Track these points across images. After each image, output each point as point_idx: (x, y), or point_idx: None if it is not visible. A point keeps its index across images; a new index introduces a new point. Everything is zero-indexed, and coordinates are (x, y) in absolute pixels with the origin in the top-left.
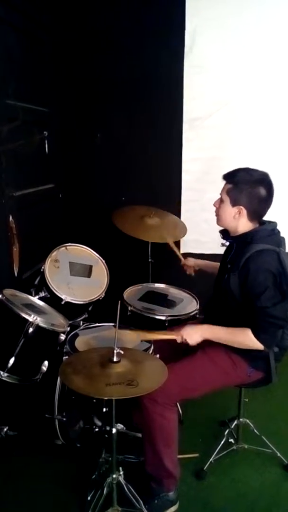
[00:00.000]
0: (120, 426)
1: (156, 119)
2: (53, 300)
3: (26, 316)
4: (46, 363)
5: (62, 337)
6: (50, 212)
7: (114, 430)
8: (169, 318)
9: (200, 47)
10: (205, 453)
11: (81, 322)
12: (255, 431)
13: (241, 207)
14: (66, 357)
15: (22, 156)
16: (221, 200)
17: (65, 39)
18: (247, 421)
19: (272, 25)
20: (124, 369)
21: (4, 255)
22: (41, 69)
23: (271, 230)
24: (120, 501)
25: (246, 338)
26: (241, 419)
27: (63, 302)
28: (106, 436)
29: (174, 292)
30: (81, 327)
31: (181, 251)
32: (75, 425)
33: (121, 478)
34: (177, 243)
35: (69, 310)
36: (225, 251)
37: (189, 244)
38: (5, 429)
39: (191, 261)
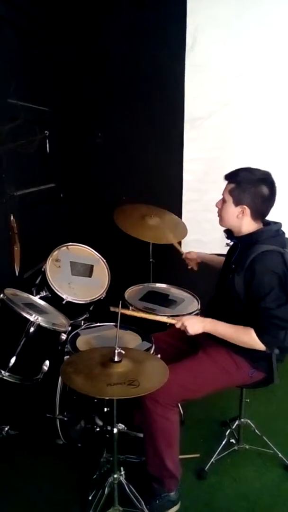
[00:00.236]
0: (121, 426)
1: (157, 118)
2: (54, 299)
3: (27, 316)
4: (47, 362)
5: (63, 336)
6: (51, 211)
7: (115, 430)
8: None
9: (201, 46)
10: (206, 453)
11: (82, 322)
12: (256, 431)
13: (245, 206)
14: (67, 356)
15: (23, 155)
16: (223, 200)
17: (65, 38)
18: (248, 421)
19: (274, 24)
20: (125, 369)
21: (5, 254)
22: (42, 68)
23: (276, 231)
24: (121, 501)
25: (248, 337)
26: (242, 420)
27: (64, 302)
28: (107, 436)
29: (175, 292)
30: (82, 327)
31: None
32: (76, 424)
33: (122, 478)
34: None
35: (70, 310)
36: (229, 251)
37: (190, 245)
38: (6, 429)
39: (193, 254)
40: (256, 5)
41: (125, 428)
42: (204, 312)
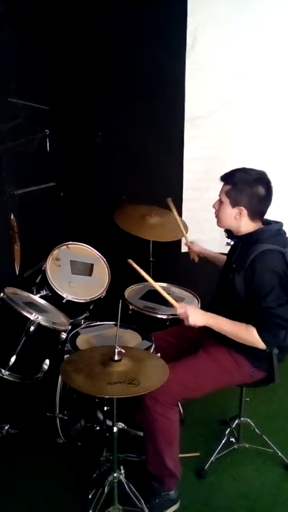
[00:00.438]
0: (121, 424)
1: (158, 117)
2: (54, 298)
3: (28, 315)
4: (47, 361)
5: (63, 335)
6: (51, 210)
7: (115, 429)
8: (170, 317)
9: (201, 45)
10: (206, 452)
11: (83, 321)
12: (256, 430)
13: (242, 207)
14: (67, 355)
15: (24, 154)
16: (220, 202)
17: (65, 38)
18: (248, 420)
19: (274, 22)
20: (126, 368)
21: (6, 253)
22: (42, 67)
23: (277, 230)
24: (121, 499)
25: (249, 335)
26: (242, 418)
27: (64, 301)
28: (107, 434)
29: (175, 291)
30: (82, 326)
31: (183, 251)
32: (76, 423)
33: (122, 477)
34: (179, 242)
35: (70, 309)
36: (230, 251)
37: None
38: (6, 428)
39: (197, 247)
40: (256, 4)
41: (125, 427)
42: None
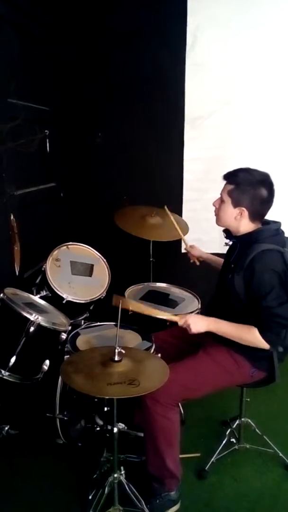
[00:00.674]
0: (121, 425)
1: (158, 118)
2: (54, 299)
3: (28, 315)
4: (47, 362)
5: (64, 336)
6: (51, 211)
7: (115, 430)
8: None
9: (201, 45)
10: (207, 453)
11: (83, 321)
12: (257, 431)
13: (243, 208)
14: (68, 356)
15: (23, 155)
16: (221, 200)
17: (66, 38)
18: (249, 420)
19: (274, 23)
20: (126, 368)
21: (5, 254)
22: (42, 68)
23: (276, 230)
24: (122, 500)
25: (252, 336)
26: (242, 419)
27: (64, 301)
28: (108, 435)
29: (175, 291)
30: (83, 326)
31: (183, 251)
32: (76, 424)
33: (122, 478)
34: (179, 242)
35: (70, 309)
36: (228, 251)
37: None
38: (6, 428)
39: (196, 251)
40: (257, 5)
41: (125, 428)
42: (204, 311)
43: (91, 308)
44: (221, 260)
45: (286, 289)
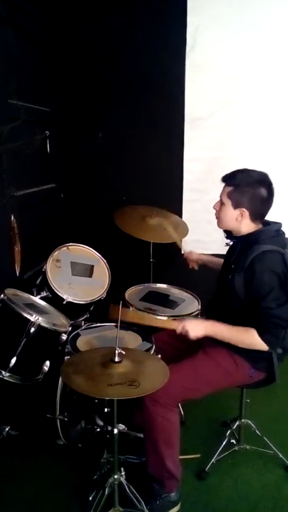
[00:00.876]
0: (121, 426)
1: (158, 118)
2: (54, 300)
3: (28, 316)
4: (47, 363)
5: (64, 337)
6: (51, 211)
7: (115, 431)
8: (170, 318)
9: (201, 46)
10: (207, 454)
11: (83, 322)
12: (257, 432)
13: (243, 209)
14: (68, 357)
15: (24, 155)
16: (221, 203)
17: (66, 39)
18: (249, 422)
19: (274, 23)
20: (126, 369)
21: (6, 254)
22: (42, 68)
23: (276, 231)
24: (122, 501)
25: (250, 338)
26: (243, 420)
27: (64, 302)
28: (108, 436)
29: (175, 292)
30: (83, 327)
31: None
32: (76, 425)
33: (122, 479)
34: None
35: (70, 310)
36: (228, 251)
37: (191, 245)
38: (6, 429)
39: (194, 255)
40: (257, 5)
41: (126, 429)
42: (204, 312)
43: (91, 309)
44: (221, 261)
45: (286, 290)
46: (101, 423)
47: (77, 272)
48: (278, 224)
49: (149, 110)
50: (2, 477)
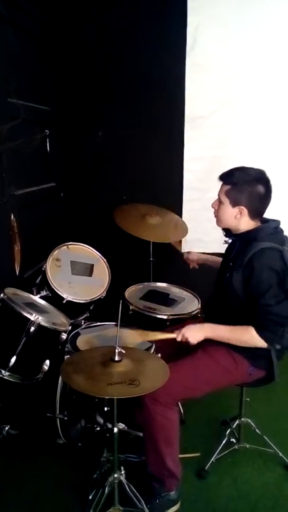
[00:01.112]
0: (121, 425)
1: (158, 117)
2: (54, 299)
3: (28, 315)
4: (47, 362)
5: (64, 336)
6: (51, 211)
7: (115, 429)
8: (170, 317)
9: (201, 46)
10: (207, 453)
11: (83, 321)
12: (257, 430)
13: (242, 207)
14: (68, 356)
15: (24, 154)
16: (219, 201)
17: (66, 38)
18: (249, 420)
19: (274, 23)
20: (126, 368)
21: (6, 254)
22: (42, 67)
23: (275, 228)
24: (122, 500)
25: (249, 336)
26: (242, 419)
27: (64, 301)
28: (108, 435)
29: (175, 291)
30: (83, 326)
31: (183, 251)
32: (76, 424)
33: (122, 478)
34: (179, 242)
35: (70, 309)
36: (227, 249)
37: (191, 244)
38: (6, 428)
39: (194, 256)
40: (257, 5)
41: (126, 428)
42: (203, 310)
43: (91, 308)
44: (220, 260)
45: (284, 287)
46: (101, 422)
47: (77, 271)
48: (277, 222)
49: (149, 109)
50: (2, 477)
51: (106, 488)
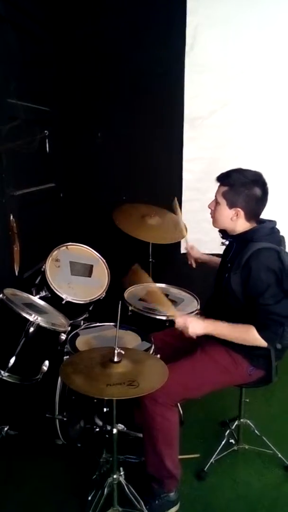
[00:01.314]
0: (121, 426)
1: (157, 118)
2: (53, 299)
3: (27, 316)
4: (46, 362)
5: (63, 336)
6: (51, 211)
7: (114, 430)
8: (169, 318)
9: (201, 46)
10: (206, 454)
11: (82, 322)
12: (256, 431)
13: (239, 209)
14: (67, 356)
15: (23, 155)
16: (216, 203)
17: (66, 38)
18: (248, 421)
19: (274, 23)
20: (125, 369)
21: (5, 254)
22: (42, 68)
23: (271, 229)
24: (121, 501)
25: (249, 335)
26: (241, 420)
27: (63, 302)
28: (107, 436)
29: (174, 292)
30: (82, 327)
31: (182, 252)
32: (75, 425)
33: (121, 479)
34: (178, 243)
35: (69, 310)
36: (225, 250)
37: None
38: (5, 429)
39: (196, 252)
40: (256, 5)
41: (125, 429)
42: (202, 311)
43: (90, 308)
44: (220, 260)
45: (282, 287)
46: (100, 423)
47: (76, 272)
48: (273, 222)
49: (149, 110)
50: (1, 477)
51: (106, 489)
